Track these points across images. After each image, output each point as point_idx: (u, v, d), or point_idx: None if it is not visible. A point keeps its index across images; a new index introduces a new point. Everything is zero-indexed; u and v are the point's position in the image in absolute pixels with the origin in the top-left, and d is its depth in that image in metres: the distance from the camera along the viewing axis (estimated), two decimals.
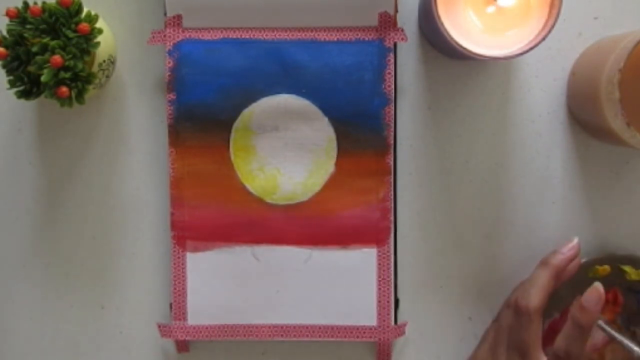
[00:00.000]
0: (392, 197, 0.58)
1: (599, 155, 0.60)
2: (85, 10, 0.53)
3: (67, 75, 0.51)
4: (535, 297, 0.52)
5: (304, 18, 0.57)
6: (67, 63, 0.51)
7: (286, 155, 0.58)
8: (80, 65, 0.51)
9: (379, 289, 0.58)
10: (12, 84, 0.52)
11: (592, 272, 0.58)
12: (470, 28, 0.52)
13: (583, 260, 0.58)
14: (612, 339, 0.54)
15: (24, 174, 0.60)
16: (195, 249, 0.58)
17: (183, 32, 0.57)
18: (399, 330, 0.59)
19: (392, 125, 0.58)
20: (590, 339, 0.59)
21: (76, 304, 0.61)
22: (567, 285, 0.58)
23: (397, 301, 0.59)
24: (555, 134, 0.60)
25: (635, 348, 0.53)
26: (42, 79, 0.50)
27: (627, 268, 0.58)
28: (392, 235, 0.58)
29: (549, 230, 0.60)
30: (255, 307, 0.59)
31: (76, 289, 0.61)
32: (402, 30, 0.57)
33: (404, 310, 0.60)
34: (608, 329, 0.54)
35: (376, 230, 0.57)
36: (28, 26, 0.52)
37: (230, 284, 0.58)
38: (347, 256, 0.58)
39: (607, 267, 0.58)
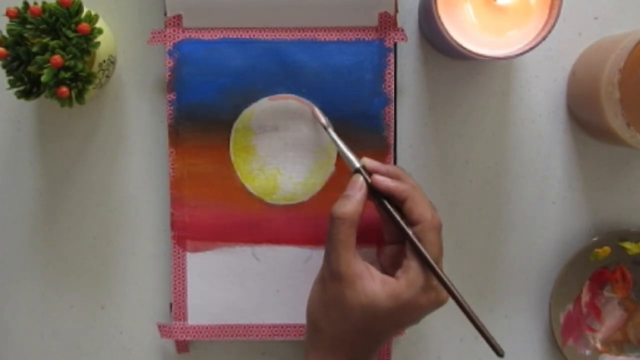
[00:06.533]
0: None
1: (599, 155, 0.60)
2: (85, 10, 0.53)
3: (67, 75, 0.51)
4: (346, 206, 0.51)
5: (304, 18, 0.57)
6: (67, 63, 0.51)
7: (286, 155, 0.58)
8: (80, 65, 0.51)
9: None
10: (12, 84, 0.52)
11: (592, 256, 0.59)
12: (471, 28, 0.52)
13: (582, 246, 0.59)
14: (336, 145, 0.54)
15: (24, 174, 0.60)
16: (195, 249, 0.58)
17: (183, 32, 0.57)
18: None
19: (392, 125, 0.58)
20: (611, 319, 0.59)
21: (76, 304, 0.61)
22: (575, 275, 0.59)
23: None
24: (555, 134, 0.60)
25: (352, 157, 0.53)
26: (42, 79, 0.50)
27: (626, 244, 0.59)
28: None
29: (549, 230, 0.60)
30: (255, 307, 0.59)
31: (76, 289, 0.61)
32: (402, 30, 0.57)
33: None
34: (332, 133, 0.54)
35: (376, 231, 0.57)
36: (28, 26, 0.52)
37: (230, 284, 0.58)
38: None
39: (607, 249, 0.59)
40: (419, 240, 0.50)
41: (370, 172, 0.52)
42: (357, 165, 0.52)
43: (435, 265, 0.50)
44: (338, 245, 0.50)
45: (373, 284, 0.50)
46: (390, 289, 0.49)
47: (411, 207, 0.51)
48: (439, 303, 0.51)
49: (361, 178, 0.52)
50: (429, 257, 0.50)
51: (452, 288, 0.50)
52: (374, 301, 0.49)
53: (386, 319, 0.50)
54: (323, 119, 0.55)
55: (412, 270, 0.50)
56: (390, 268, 0.53)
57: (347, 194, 0.52)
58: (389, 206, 0.51)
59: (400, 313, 0.50)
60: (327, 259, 0.51)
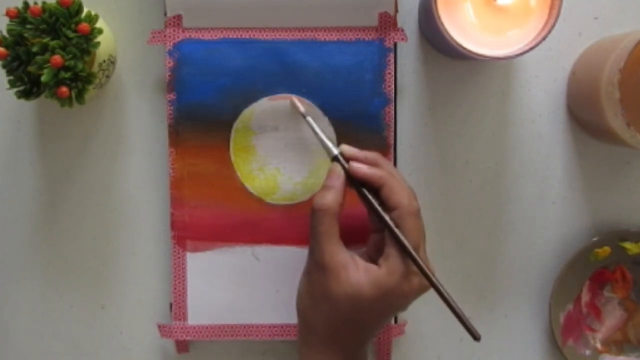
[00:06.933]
0: None
1: (599, 155, 0.60)
2: (85, 10, 0.53)
3: (67, 75, 0.51)
4: (326, 197, 0.51)
5: (304, 18, 0.57)
6: (67, 63, 0.51)
7: (286, 155, 0.58)
8: (80, 65, 0.51)
9: None
10: (12, 84, 0.52)
11: (592, 256, 0.59)
12: (471, 28, 0.52)
13: (582, 246, 0.59)
14: (315, 133, 0.54)
15: (24, 174, 0.60)
16: (195, 249, 0.58)
17: (183, 32, 0.57)
18: (399, 329, 0.59)
19: (392, 125, 0.58)
20: (612, 319, 0.60)
21: (76, 304, 0.61)
22: (575, 275, 0.59)
23: None
24: (555, 134, 0.60)
25: (330, 145, 0.53)
26: (42, 79, 0.50)
27: (626, 244, 0.59)
28: None
29: (549, 230, 0.60)
30: (255, 307, 0.59)
31: (76, 289, 0.61)
32: (402, 30, 0.57)
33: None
34: (311, 122, 0.54)
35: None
36: (28, 26, 0.52)
37: (230, 284, 0.58)
38: None
39: (607, 249, 0.59)
40: (397, 226, 0.50)
41: (348, 159, 0.52)
42: (335, 152, 0.52)
43: (411, 250, 0.49)
44: (321, 237, 0.50)
45: (357, 273, 0.49)
46: (372, 276, 0.49)
47: (388, 194, 0.50)
48: (423, 288, 0.50)
49: (339, 166, 0.52)
50: (406, 242, 0.49)
51: (428, 272, 0.49)
52: (358, 290, 0.49)
53: (372, 307, 0.50)
54: (301, 108, 0.55)
55: (391, 257, 0.50)
56: (375, 256, 0.52)
57: (326, 184, 0.52)
58: (366, 193, 0.51)
59: (385, 301, 0.50)
60: (311, 251, 0.51)
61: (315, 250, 0.51)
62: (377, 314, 0.51)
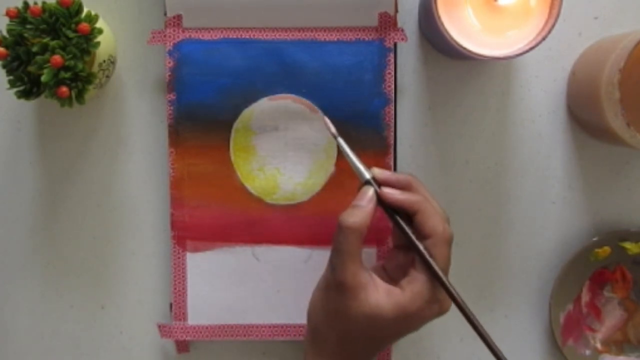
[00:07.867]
0: None
1: (599, 155, 0.60)
2: (85, 10, 0.53)
3: (67, 75, 0.51)
4: (356, 216, 0.50)
5: (304, 18, 0.57)
6: (67, 63, 0.51)
7: (286, 155, 0.58)
8: (80, 65, 0.51)
9: None
10: (12, 84, 0.52)
11: (592, 256, 0.59)
12: (470, 28, 0.52)
13: (582, 246, 0.59)
14: (346, 156, 0.52)
15: (24, 174, 0.60)
16: (195, 249, 0.58)
17: (183, 32, 0.57)
18: None
19: (392, 125, 0.58)
20: (612, 319, 0.60)
21: (76, 304, 0.61)
22: (575, 275, 0.59)
23: None
24: (555, 134, 0.60)
25: (362, 169, 0.51)
26: (42, 79, 0.50)
27: (626, 244, 0.59)
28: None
29: (549, 230, 0.60)
30: (255, 307, 0.59)
31: (76, 289, 0.61)
32: (402, 30, 0.57)
33: None
34: (342, 143, 0.52)
35: (376, 231, 0.57)
36: (28, 26, 0.52)
37: (230, 284, 0.58)
38: None
39: (607, 249, 0.59)
40: (429, 253, 0.50)
41: (380, 183, 0.51)
42: (367, 176, 0.51)
43: (445, 280, 0.49)
44: (344, 256, 0.49)
45: (377, 294, 0.49)
46: (394, 300, 0.49)
47: (422, 221, 0.50)
48: (441, 313, 0.51)
49: (372, 190, 0.51)
50: (440, 273, 0.49)
51: (463, 305, 0.49)
52: (377, 311, 0.49)
53: (389, 328, 0.50)
54: (333, 129, 0.53)
55: (418, 282, 0.49)
56: (394, 273, 0.52)
57: (357, 204, 0.50)
58: (399, 220, 0.50)
59: (403, 323, 0.50)
60: (332, 267, 0.50)
61: (336, 267, 0.50)
62: (394, 334, 0.51)
